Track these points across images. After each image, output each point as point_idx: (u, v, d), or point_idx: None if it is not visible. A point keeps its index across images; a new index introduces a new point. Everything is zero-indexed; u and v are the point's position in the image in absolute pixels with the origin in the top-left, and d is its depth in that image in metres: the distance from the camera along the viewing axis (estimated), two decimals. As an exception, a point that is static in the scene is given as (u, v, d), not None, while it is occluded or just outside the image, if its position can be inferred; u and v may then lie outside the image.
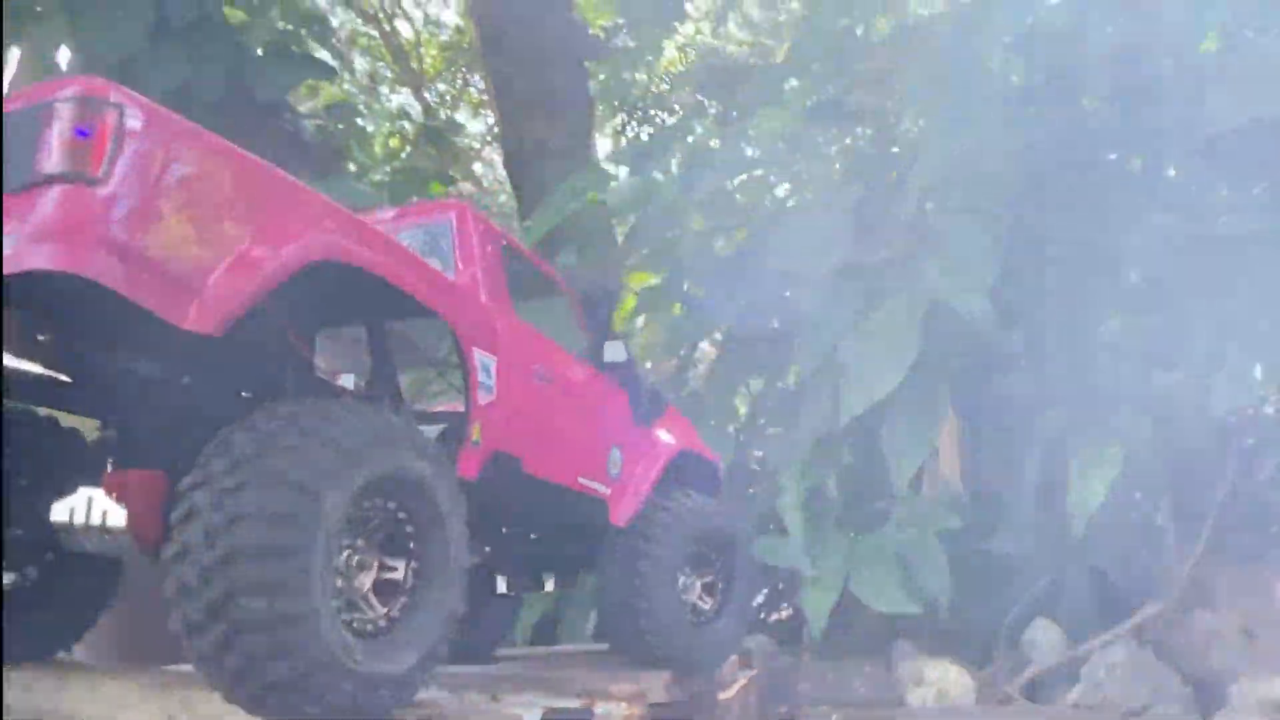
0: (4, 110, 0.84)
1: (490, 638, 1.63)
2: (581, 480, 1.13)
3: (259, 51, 3.09)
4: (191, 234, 0.82)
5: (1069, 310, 1.70)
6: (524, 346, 1.04)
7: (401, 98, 9.45)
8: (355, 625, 0.87)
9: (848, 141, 3.94)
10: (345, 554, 0.84)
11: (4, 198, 0.77)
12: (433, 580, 0.90)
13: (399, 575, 0.88)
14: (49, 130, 0.79)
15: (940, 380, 1.52)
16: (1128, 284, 2.06)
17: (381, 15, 8.94)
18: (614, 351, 1.06)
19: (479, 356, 1.00)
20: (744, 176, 3.31)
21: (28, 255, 0.76)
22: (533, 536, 1.18)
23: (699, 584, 1.32)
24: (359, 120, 3.51)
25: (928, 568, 1.90)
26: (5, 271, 0.75)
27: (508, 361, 1.02)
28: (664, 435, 1.14)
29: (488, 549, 1.23)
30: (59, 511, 1.07)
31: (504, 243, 1.12)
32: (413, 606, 0.89)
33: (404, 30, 9.25)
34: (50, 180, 0.78)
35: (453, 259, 1.02)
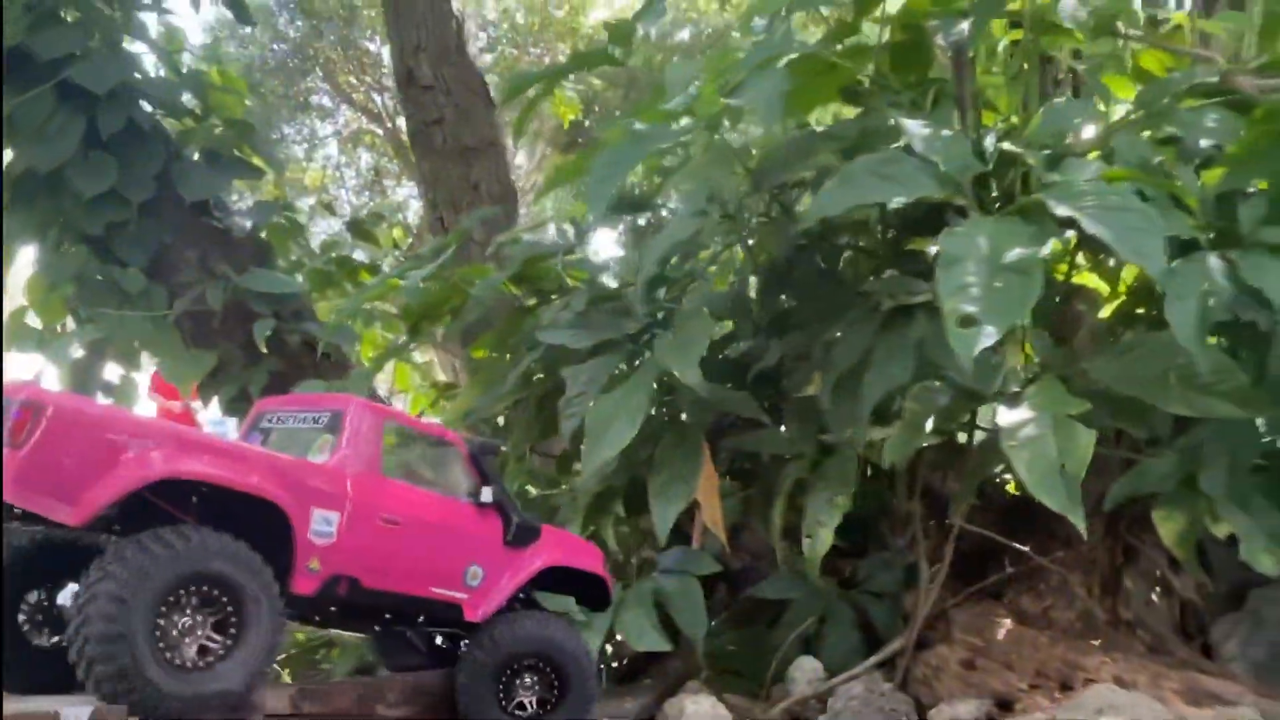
0: None
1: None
2: (433, 589, 1.43)
3: (195, 156, 3.51)
4: (71, 469, 1.19)
5: (802, 373, 1.89)
6: (375, 499, 1.34)
7: (406, 189, 10.03)
8: (178, 663, 1.18)
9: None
10: (163, 621, 1.16)
11: None
12: (245, 638, 1.21)
13: (216, 635, 1.20)
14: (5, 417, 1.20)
15: (697, 436, 1.74)
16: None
17: (384, 114, 9.61)
18: (485, 495, 1.38)
19: (318, 513, 1.32)
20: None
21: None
22: (399, 626, 1.49)
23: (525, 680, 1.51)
24: (291, 214, 3.88)
25: (687, 610, 2.08)
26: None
27: (353, 513, 1.33)
28: (534, 556, 1.40)
29: (376, 628, 1.54)
30: None
31: (391, 421, 1.43)
32: (228, 653, 1.19)
33: (405, 127, 9.80)
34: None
35: (339, 439, 1.35)
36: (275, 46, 14.94)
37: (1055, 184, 1.33)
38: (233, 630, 1.23)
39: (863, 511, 1.91)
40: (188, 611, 1.20)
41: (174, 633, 1.20)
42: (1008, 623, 1.63)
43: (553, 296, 1.83)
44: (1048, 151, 1.36)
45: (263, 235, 3.68)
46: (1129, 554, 1.74)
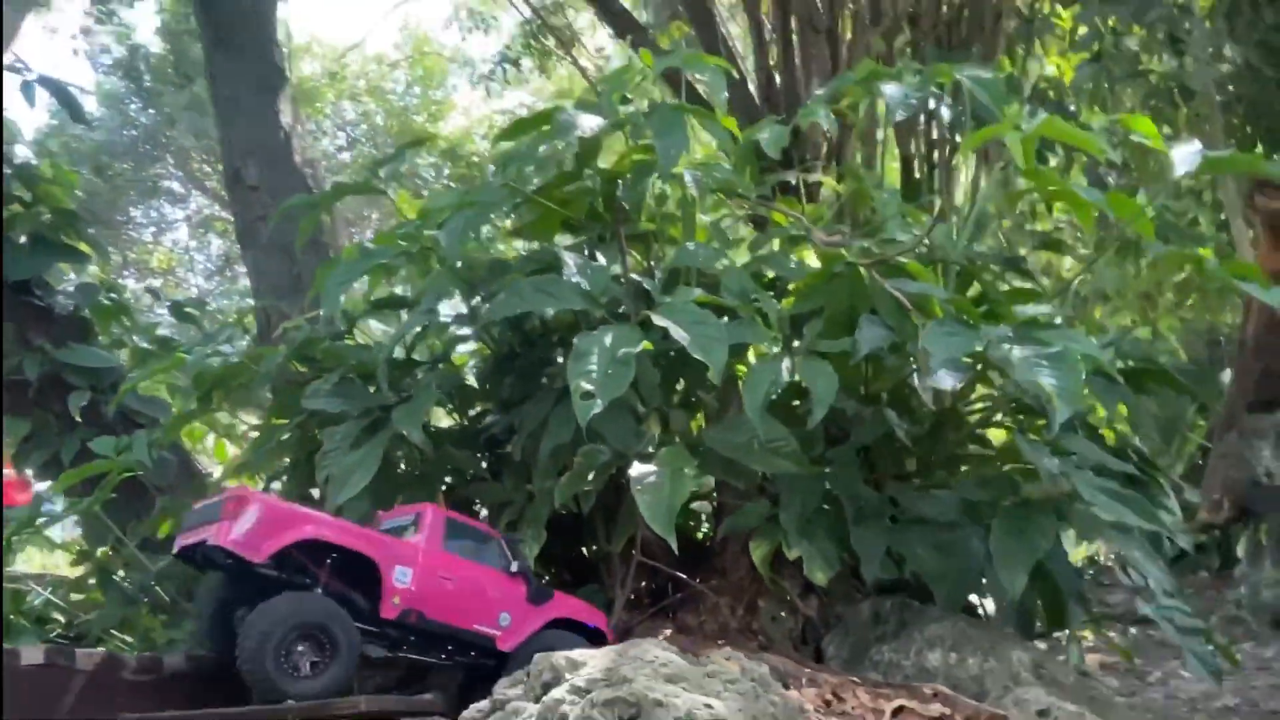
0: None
1: None
2: (475, 626, 1.93)
3: (21, 239, 3.80)
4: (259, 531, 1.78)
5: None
6: (436, 564, 1.90)
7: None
8: (293, 673, 1.72)
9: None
10: (286, 651, 1.70)
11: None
12: (336, 660, 1.75)
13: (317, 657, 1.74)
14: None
15: (434, 485, 2.18)
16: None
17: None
18: (514, 566, 1.91)
19: (398, 569, 1.85)
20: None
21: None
22: (445, 652, 1.99)
23: None
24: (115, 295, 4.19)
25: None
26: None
27: (421, 572, 1.88)
28: (544, 610, 1.94)
29: (442, 656, 2.00)
30: None
31: (449, 518, 1.95)
32: (324, 669, 1.74)
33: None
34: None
35: (414, 530, 1.92)
36: (125, 132, 14.94)
37: (664, 304, 1.90)
38: (328, 655, 1.79)
39: (571, 552, 2.41)
40: (300, 642, 1.77)
41: (293, 654, 1.77)
42: (668, 631, 2.13)
43: (322, 372, 2.28)
44: (662, 278, 1.95)
45: (85, 314, 3.98)
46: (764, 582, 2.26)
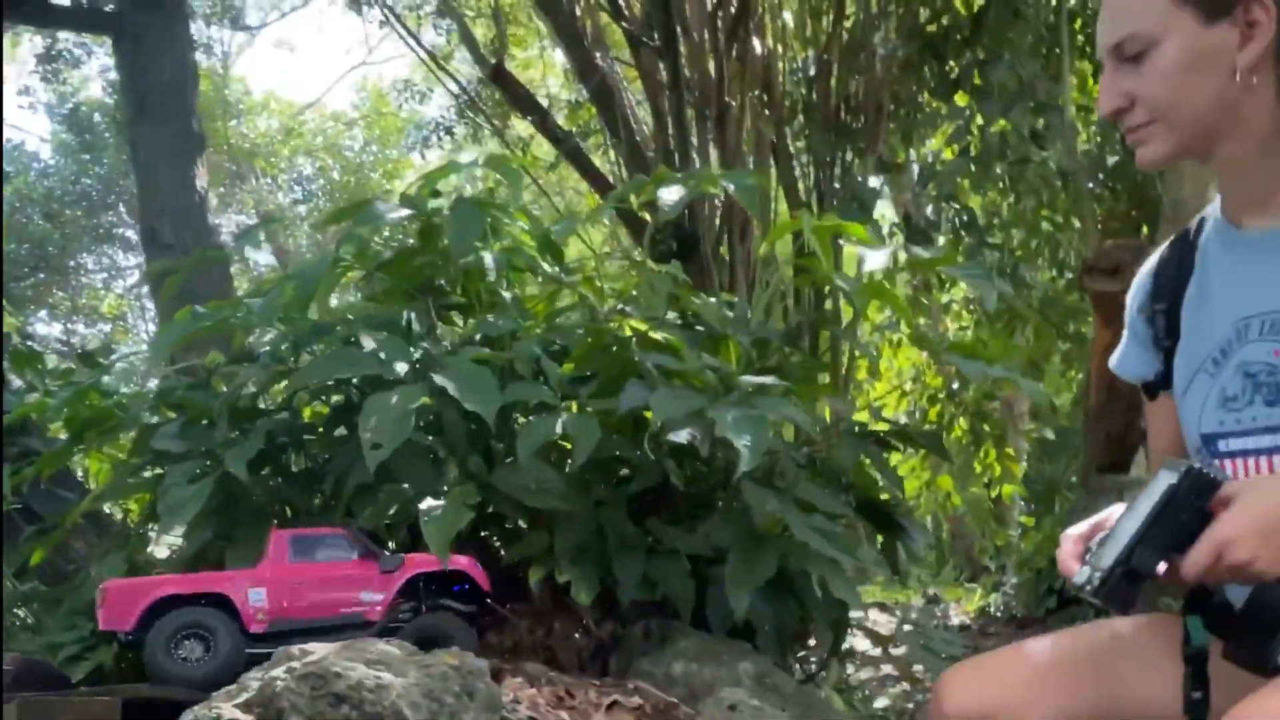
0: None
1: None
2: (342, 611, 2.25)
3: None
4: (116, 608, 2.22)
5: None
6: (285, 576, 2.25)
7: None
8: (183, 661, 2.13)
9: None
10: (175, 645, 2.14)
11: None
12: (218, 653, 2.14)
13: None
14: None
15: (267, 520, 2.52)
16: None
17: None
18: (357, 551, 2.26)
19: (251, 592, 2.20)
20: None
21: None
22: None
23: None
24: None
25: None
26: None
27: (272, 588, 2.23)
28: (398, 575, 2.33)
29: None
30: None
31: (292, 536, 2.30)
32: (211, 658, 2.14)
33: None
34: None
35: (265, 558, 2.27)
36: (79, 180, 15.24)
37: (447, 365, 2.30)
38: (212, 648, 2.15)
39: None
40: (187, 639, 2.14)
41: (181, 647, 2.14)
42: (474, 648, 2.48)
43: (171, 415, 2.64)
44: (448, 346, 2.36)
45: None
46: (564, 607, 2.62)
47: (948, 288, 8.52)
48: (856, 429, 2.84)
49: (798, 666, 2.97)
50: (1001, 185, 7.42)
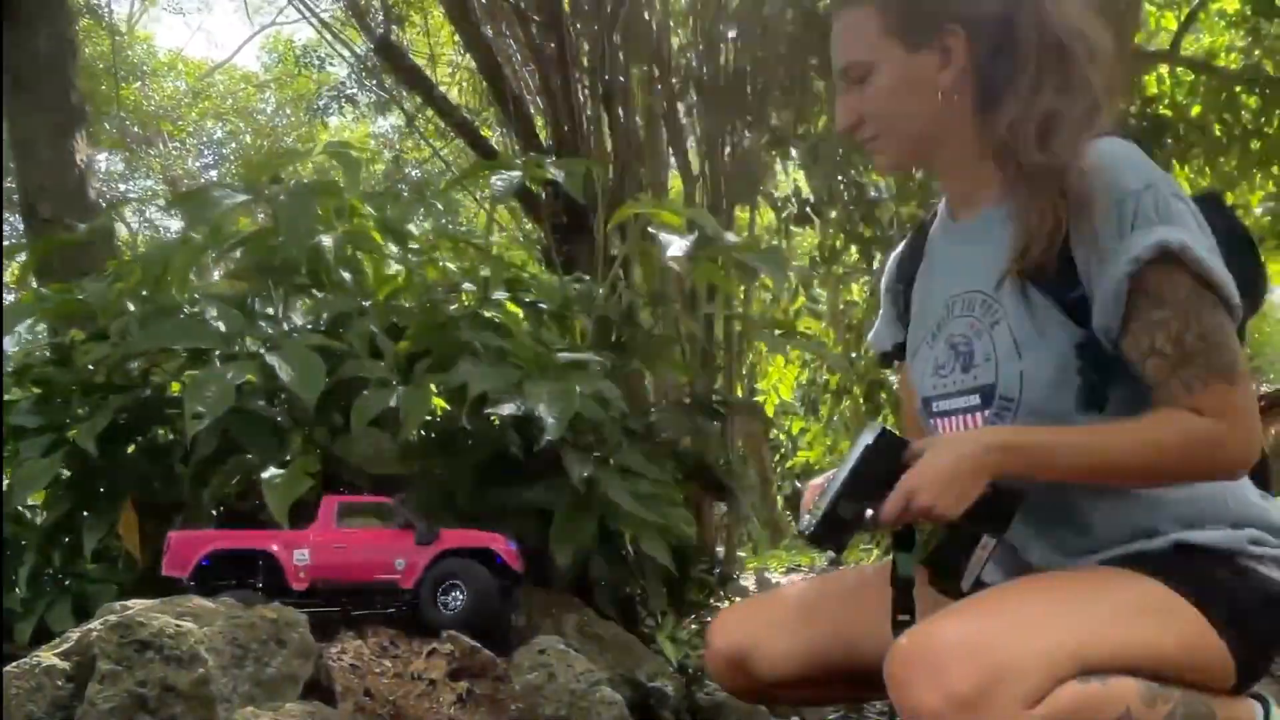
0: None
1: None
2: (377, 577, 2.38)
3: None
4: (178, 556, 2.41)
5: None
6: (329, 540, 2.37)
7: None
8: None
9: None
10: None
11: None
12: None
13: None
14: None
15: (125, 496, 2.62)
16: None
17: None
18: (398, 520, 2.38)
19: (296, 553, 2.35)
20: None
21: None
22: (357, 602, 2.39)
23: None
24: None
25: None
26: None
27: (315, 548, 2.35)
28: (433, 547, 2.38)
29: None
30: None
31: (340, 502, 2.42)
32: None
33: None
34: None
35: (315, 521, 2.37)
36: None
37: (280, 344, 2.46)
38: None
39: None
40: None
41: None
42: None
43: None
44: (295, 324, 2.54)
45: None
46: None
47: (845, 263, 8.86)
48: (686, 400, 3.08)
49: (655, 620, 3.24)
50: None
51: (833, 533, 1.44)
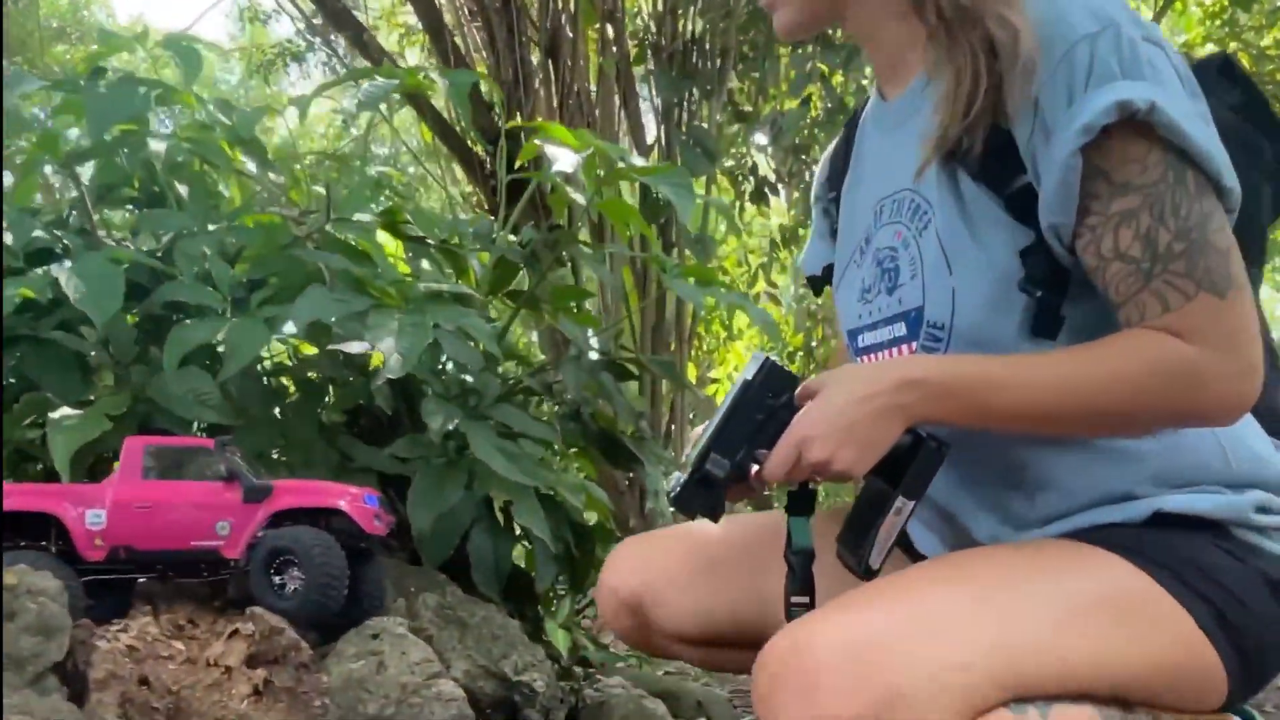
0: None
1: None
2: (193, 543, 1.88)
3: None
4: None
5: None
6: (130, 496, 1.86)
7: None
8: None
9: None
10: None
11: None
12: None
13: None
14: None
15: None
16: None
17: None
18: (220, 471, 1.89)
19: (89, 513, 1.84)
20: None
21: None
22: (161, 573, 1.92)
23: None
24: None
25: None
26: None
27: (113, 507, 1.85)
28: (263, 506, 1.93)
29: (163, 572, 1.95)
30: None
31: (148, 446, 1.90)
32: None
33: None
34: None
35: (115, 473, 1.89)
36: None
37: (77, 260, 2.04)
38: None
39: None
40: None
41: None
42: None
43: None
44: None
45: None
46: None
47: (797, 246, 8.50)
48: (594, 355, 2.68)
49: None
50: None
51: (703, 495, 1.12)
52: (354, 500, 1.97)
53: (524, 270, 2.77)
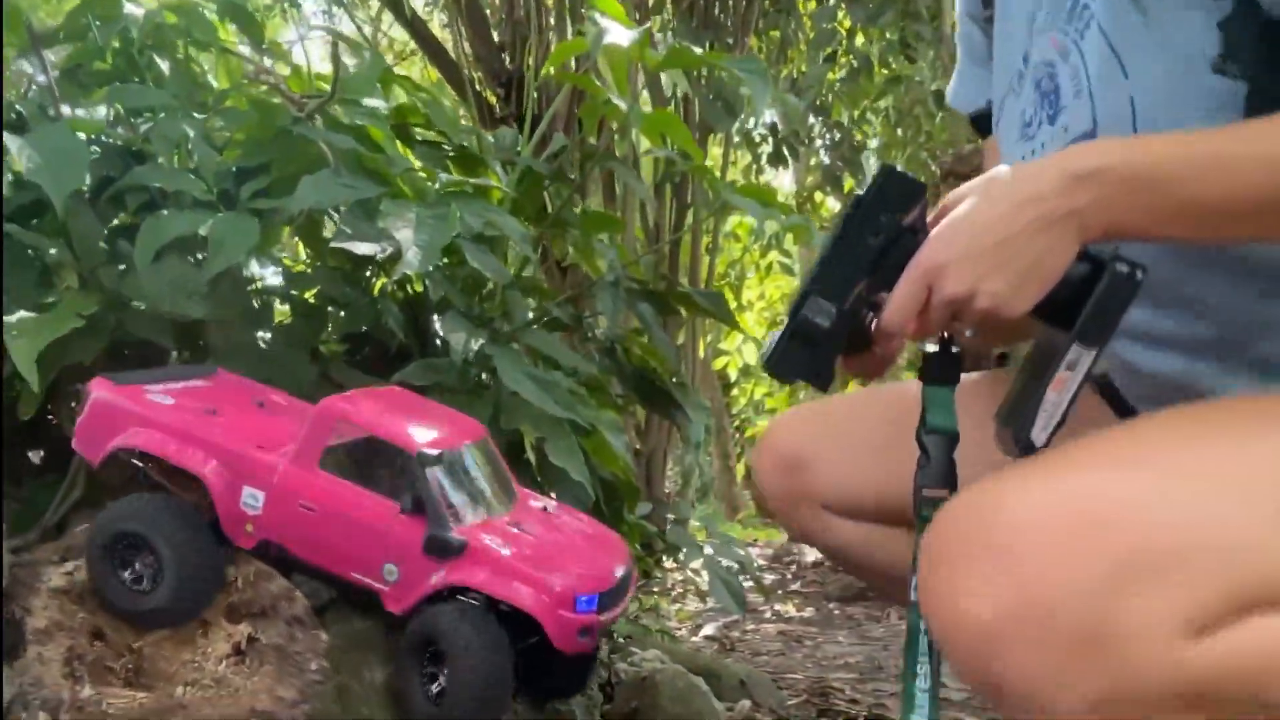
0: None
1: None
2: (353, 574, 1.40)
3: None
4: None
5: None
6: (299, 487, 1.41)
7: None
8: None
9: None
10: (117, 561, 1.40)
11: None
12: (162, 576, 1.36)
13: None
14: None
15: None
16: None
17: None
18: (406, 501, 1.44)
19: (247, 490, 1.43)
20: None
21: None
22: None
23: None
24: None
25: None
26: None
27: (275, 496, 1.42)
28: (445, 568, 1.36)
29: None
30: None
31: (342, 420, 1.43)
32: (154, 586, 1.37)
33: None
34: None
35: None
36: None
37: (34, 130, 1.70)
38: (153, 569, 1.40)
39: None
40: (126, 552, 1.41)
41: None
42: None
43: None
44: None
45: None
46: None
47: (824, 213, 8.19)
48: (630, 282, 2.35)
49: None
50: (876, 105, 7.07)
51: (804, 355, 0.85)
52: (555, 602, 1.34)
53: (552, 190, 2.45)
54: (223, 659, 1.35)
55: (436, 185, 1.83)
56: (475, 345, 1.78)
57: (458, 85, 5.36)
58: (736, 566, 2.49)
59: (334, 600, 1.53)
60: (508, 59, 5.08)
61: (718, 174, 4.45)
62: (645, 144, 2.66)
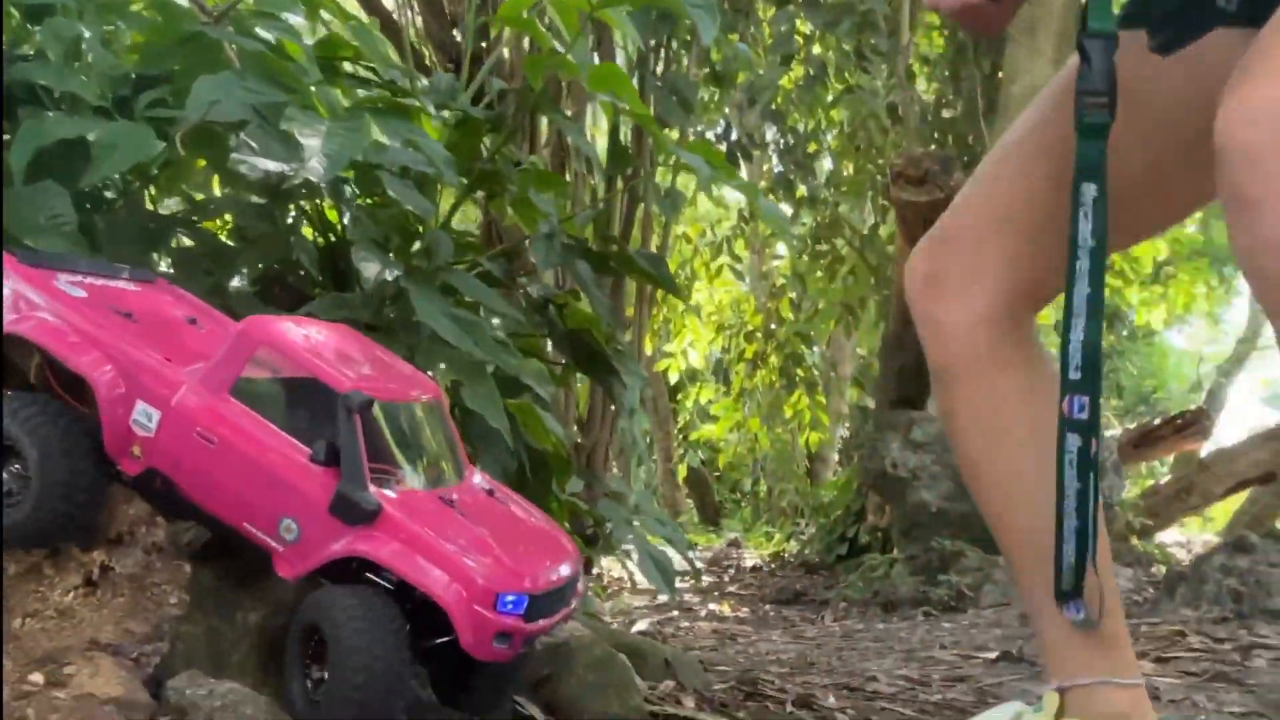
0: None
1: None
2: (246, 525, 1.20)
3: None
4: None
5: None
6: (198, 414, 1.20)
7: None
8: None
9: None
10: None
11: None
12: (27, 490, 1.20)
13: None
14: None
15: None
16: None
17: None
18: (318, 451, 1.15)
19: (140, 406, 1.21)
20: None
21: None
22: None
23: None
24: None
25: None
26: None
27: (172, 417, 1.21)
28: (352, 534, 1.08)
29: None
30: None
31: (267, 345, 1.20)
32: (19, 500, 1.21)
33: None
34: None
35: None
36: None
37: None
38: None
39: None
40: None
41: None
42: None
43: None
44: None
45: None
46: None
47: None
48: (566, 241, 2.21)
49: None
50: (829, 114, 7.05)
51: None
52: (473, 595, 1.14)
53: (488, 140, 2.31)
54: (70, 590, 1.18)
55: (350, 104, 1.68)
56: (389, 276, 1.64)
57: (393, 35, 5.20)
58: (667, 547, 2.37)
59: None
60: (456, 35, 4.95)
61: (670, 181, 4.35)
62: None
